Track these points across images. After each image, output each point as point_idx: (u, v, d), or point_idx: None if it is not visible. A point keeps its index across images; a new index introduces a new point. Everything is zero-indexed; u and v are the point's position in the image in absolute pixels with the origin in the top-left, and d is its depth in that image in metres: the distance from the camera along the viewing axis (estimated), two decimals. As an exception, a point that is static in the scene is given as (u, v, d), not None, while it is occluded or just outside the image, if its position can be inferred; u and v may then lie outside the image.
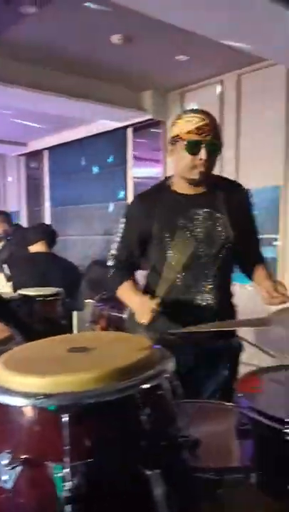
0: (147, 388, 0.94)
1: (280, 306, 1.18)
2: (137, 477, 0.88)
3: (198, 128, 1.67)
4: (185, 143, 1.69)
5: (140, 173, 5.08)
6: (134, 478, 0.89)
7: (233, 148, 3.95)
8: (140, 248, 1.87)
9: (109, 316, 4.14)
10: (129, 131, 5.04)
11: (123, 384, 0.92)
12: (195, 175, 1.73)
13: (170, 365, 1.02)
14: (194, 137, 1.67)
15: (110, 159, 5.43)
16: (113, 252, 1.90)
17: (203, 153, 1.67)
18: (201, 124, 1.67)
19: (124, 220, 1.89)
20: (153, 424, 0.94)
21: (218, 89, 4.08)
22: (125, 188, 5.20)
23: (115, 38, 3.42)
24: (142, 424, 0.93)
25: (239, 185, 1.99)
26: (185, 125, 1.69)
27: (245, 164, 3.95)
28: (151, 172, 4.89)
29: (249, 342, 1.83)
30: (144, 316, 1.67)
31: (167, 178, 1.91)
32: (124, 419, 0.93)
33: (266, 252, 3.76)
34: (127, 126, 4.98)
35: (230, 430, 1.25)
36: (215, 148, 1.71)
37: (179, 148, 1.72)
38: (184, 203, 1.80)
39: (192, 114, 1.71)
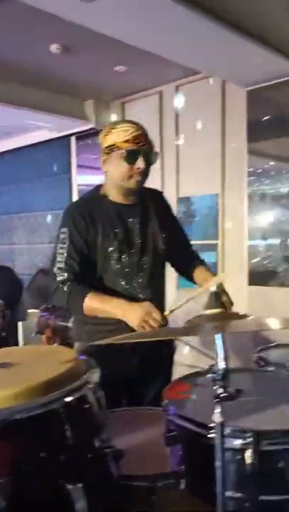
0: (71, 401, 0.95)
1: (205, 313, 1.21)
2: (59, 492, 0.89)
3: (135, 137, 1.70)
4: (122, 152, 1.70)
5: (84, 180, 5.09)
6: (56, 493, 0.89)
7: (174, 158, 4.04)
8: (86, 259, 1.80)
9: (54, 326, 4.09)
10: (73, 140, 5.03)
11: (46, 398, 0.93)
12: (132, 184, 1.75)
13: (94, 376, 1.03)
14: (132, 146, 1.69)
15: (54, 167, 5.40)
16: (61, 265, 1.75)
17: (140, 162, 1.70)
18: (137, 133, 1.71)
19: (65, 230, 1.80)
20: (76, 437, 0.95)
21: (157, 99, 4.16)
22: (70, 196, 5.19)
23: (54, 48, 3.41)
24: (65, 438, 0.94)
25: (160, 193, 2.06)
26: (121, 134, 1.71)
27: (184, 173, 4.04)
28: (95, 180, 4.91)
29: (189, 344, 1.87)
30: (145, 322, 1.58)
31: (99, 188, 1.90)
32: (47, 433, 0.93)
33: (208, 257, 3.91)
34: (70, 135, 4.98)
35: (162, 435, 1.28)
36: (151, 158, 1.75)
37: (115, 158, 1.73)
38: (122, 213, 1.82)
39: (126, 124, 1.74)
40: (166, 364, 1.93)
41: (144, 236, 1.83)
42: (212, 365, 0.88)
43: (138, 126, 1.74)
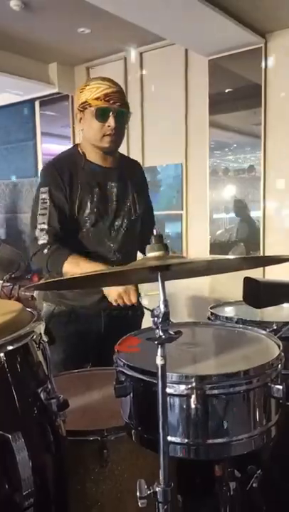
0: (13, 350, 0.93)
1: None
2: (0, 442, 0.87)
3: (106, 95, 1.66)
4: (93, 109, 1.68)
5: (50, 148, 4.96)
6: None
7: (139, 127, 3.99)
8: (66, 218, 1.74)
9: (19, 296, 4.06)
10: (37, 104, 4.88)
11: (-16, 347, 0.91)
12: (105, 143, 1.73)
13: (39, 327, 1.02)
14: (103, 104, 1.66)
15: (18, 133, 5.23)
16: (43, 227, 1.70)
17: (111, 121, 1.67)
18: (108, 91, 1.67)
19: (45, 189, 1.73)
20: (19, 386, 0.93)
21: (122, 65, 4.06)
22: (36, 164, 5.05)
23: (13, 3, 3.26)
24: (6, 387, 0.92)
25: (139, 164, 2.05)
26: (93, 92, 1.68)
27: (149, 143, 4.01)
28: (61, 149, 4.79)
29: (149, 309, 1.89)
30: (127, 296, 1.61)
31: (77, 146, 1.85)
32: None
33: (173, 227, 3.92)
34: (34, 100, 4.82)
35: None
36: (123, 116, 1.71)
37: (88, 116, 1.71)
38: (100, 175, 1.79)
39: (100, 81, 1.70)
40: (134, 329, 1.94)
41: (120, 201, 1.82)
42: (153, 309, 0.89)
43: (112, 84, 1.70)
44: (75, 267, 1.65)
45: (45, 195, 1.72)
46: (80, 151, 1.81)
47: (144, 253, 1.99)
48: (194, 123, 3.74)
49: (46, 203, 1.71)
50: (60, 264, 1.66)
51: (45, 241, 1.68)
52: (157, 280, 0.89)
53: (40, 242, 1.69)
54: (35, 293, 3.32)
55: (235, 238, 3.66)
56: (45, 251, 1.68)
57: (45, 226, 1.69)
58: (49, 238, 1.68)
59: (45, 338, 1.02)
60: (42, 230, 1.69)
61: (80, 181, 1.75)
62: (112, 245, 1.80)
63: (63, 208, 1.72)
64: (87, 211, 1.75)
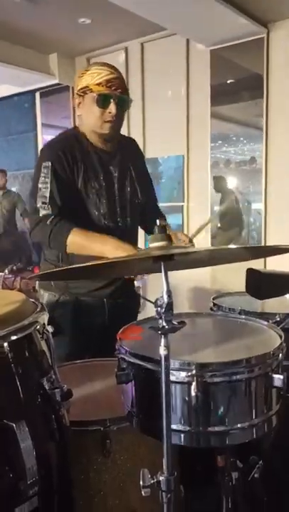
0: (16, 340, 0.94)
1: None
2: (4, 431, 0.88)
3: (107, 81, 1.63)
4: (94, 95, 1.65)
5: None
6: (1, 433, 0.88)
7: (140, 119, 3.97)
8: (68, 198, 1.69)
9: (20, 287, 4.08)
10: (37, 96, 4.86)
11: (-12, 337, 0.91)
12: (106, 129, 1.70)
13: (42, 317, 1.02)
14: (104, 90, 1.64)
15: (18, 125, 5.21)
16: (45, 200, 1.61)
17: (112, 107, 1.65)
18: (110, 77, 1.64)
19: (48, 164, 1.65)
20: (22, 376, 0.94)
21: (122, 56, 4.04)
22: (36, 155, 5.03)
23: (16, -5, 3.24)
24: (10, 376, 0.93)
25: (134, 141, 1.99)
26: (94, 77, 1.65)
27: (150, 134, 3.99)
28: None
29: (150, 301, 1.89)
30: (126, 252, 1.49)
31: (77, 128, 1.80)
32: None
33: (174, 219, 3.92)
34: (34, 91, 4.80)
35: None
36: (124, 103, 1.69)
37: (88, 101, 1.68)
38: (103, 159, 1.76)
39: (101, 67, 1.67)
40: (132, 319, 1.94)
41: (123, 186, 1.80)
42: (157, 299, 0.89)
43: (113, 70, 1.67)
44: (82, 237, 1.58)
45: (47, 170, 1.65)
46: (82, 134, 1.76)
47: (147, 231, 1.98)
48: (196, 114, 3.72)
49: (48, 177, 1.64)
50: (64, 234, 1.58)
51: (49, 212, 1.60)
52: (160, 270, 0.89)
53: (42, 213, 1.60)
54: (37, 284, 3.33)
55: (220, 210, 3.65)
56: (48, 222, 1.59)
57: (47, 200, 1.61)
58: (52, 209, 1.60)
59: (49, 329, 1.03)
60: (44, 202, 1.61)
61: (84, 164, 1.70)
62: (117, 230, 1.74)
63: (64, 186, 1.66)
64: (91, 195, 1.71)
